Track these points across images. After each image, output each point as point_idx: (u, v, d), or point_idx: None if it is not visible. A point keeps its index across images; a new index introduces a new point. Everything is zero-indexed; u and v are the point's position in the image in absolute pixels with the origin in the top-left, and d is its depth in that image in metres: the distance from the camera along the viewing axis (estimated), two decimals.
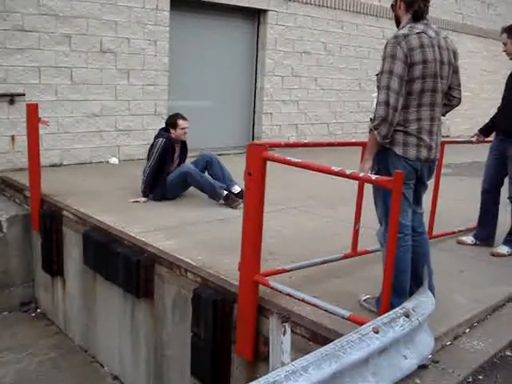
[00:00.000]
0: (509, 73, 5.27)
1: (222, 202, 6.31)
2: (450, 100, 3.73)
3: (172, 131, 6.54)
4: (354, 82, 12.18)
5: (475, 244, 5.36)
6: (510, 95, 5.17)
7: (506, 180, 5.19)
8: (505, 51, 5.16)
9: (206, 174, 6.60)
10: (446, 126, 13.58)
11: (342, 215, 5.96)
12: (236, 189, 6.45)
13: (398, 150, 3.46)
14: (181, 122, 6.53)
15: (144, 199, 6.36)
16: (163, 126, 6.78)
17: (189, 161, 6.80)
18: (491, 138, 5.46)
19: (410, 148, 3.46)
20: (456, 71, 3.69)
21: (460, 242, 5.41)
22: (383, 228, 3.56)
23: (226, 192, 6.33)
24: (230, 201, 6.27)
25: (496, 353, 3.48)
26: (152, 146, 6.45)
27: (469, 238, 5.42)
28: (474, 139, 5.52)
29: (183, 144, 6.77)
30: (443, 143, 4.56)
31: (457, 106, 3.82)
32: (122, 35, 8.46)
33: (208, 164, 6.61)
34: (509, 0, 16.25)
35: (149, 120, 8.90)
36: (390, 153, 3.47)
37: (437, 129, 3.58)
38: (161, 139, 6.41)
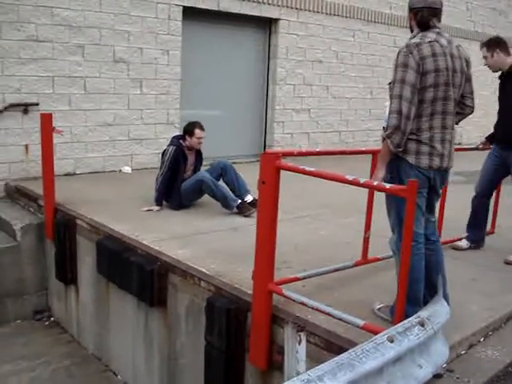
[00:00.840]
0: (498, 86, 5.31)
1: (235, 210, 6.33)
2: (463, 108, 3.73)
3: (187, 138, 6.58)
4: (365, 90, 12.18)
5: (470, 247, 5.44)
6: (504, 106, 5.20)
7: (506, 186, 5.25)
8: (486, 64, 5.20)
9: (221, 181, 6.62)
10: (458, 134, 13.54)
11: (354, 223, 5.95)
12: (249, 198, 6.46)
13: (411, 159, 3.46)
14: (198, 131, 6.56)
15: (157, 208, 6.39)
16: (175, 134, 6.80)
17: (203, 168, 6.83)
18: None
19: (422, 157, 3.46)
20: (469, 79, 3.69)
21: (455, 248, 5.43)
22: (396, 236, 3.56)
23: (239, 201, 6.36)
24: (244, 209, 6.29)
25: (511, 362, 3.46)
26: (163, 153, 6.51)
27: (463, 242, 5.48)
28: (481, 146, 5.56)
29: (198, 152, 6.81)
30: None
31: (470, 114, 3.82)
32: (135, 45, 8.52)
33: (223, 171, 6.63)
34: None
35: (161, 129, 8.94)
36: (403, 161, 3.47)
37: (450, 137, 3.57)
38: (171, 147, 6.47)
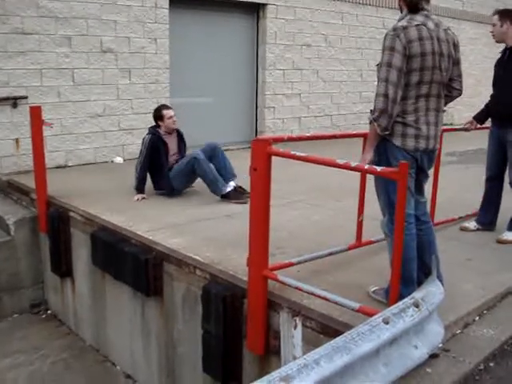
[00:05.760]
0: (495, 61, 5.28)
1: (225, 192, 6.33)
2: (451, 91, 3.73)
3: (161, 124, 6.66)
4: (355, 73, 12.16)
5: (478, 229, 5.41)
6: (500, 82, 5.17)
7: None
8: (492, 32, 5.16)
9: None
10: (449, 115, 13.56)
11: (347, 207, 5.96)
12: (231, 184, 6.44)
13: (397, 142, 3.47)
14: (165, 111, 6.66)
15: (142, 195, 6.44)
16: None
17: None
18: (487, 124, 5.46)
19: (408, 139, 3.47)
20: (457, 63, 3.68)
21: (463, 229, 5.44)
22: (387, 218, 3.58)
23: (228, 188, 6.34)
24: (237, 195, 6.27)
25: (506, 340, 3.48)
26: (142, 143, 6.56)
27: (471, 224, 5.46)
28: (467, 126, 5.51)
29: (179, 136, 6.86)
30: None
31: (457, 97, 3.81)
32: (122, 34, 8.47)
33: (212, 153, 6.62)
34: None
35: (152, 118, 8.87)
36: (390, 144, 3.49)
37: (435, 119, 3.57)
38: (147, 136, 6.56)
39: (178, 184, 6.56)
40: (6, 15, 7.33)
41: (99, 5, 8.15)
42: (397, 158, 3.39)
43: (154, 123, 6.79)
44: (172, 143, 6.73)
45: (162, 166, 6.50)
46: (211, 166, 6.46)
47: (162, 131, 6.64)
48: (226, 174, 6.50)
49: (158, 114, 6.70)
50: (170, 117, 6.63)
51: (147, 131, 6.74)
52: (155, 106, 8.85)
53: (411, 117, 3.46)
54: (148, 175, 6.61)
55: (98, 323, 5.95)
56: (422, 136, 3.50)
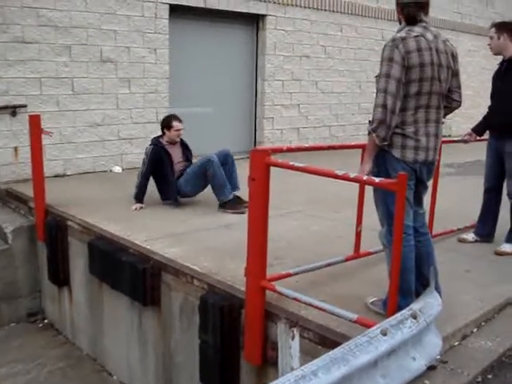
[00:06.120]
0: (493, 72, 5.30)
1: (227, 209, 6.33)
2: (450, 103, 3.73)
3: (166, 132, 6.64)
4: (354, 85, 12.19)
5: (476, 241, 5.41)
6: (499, 93, 5.19)
7: None
8: (489, 45, 5.19)
9: None
10: (447, 126, 13.58)
11: (345, 218, 5.95)
12: (231, 195, 6.46)
13: (396, 153, 3.47)
14: (175, 123, 6.62)
15: (140, 205, 6.43)
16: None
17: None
18: (486, 135, 5.47)
19: (407, 151, 3.47)
20: (456, 74, 3.69)
21: (461, 240, 5.44)
22: (385, 230, 3.57)
23: (231, 196, 6.35)
24: (235, 205, 6.28)
25: (504, 351, 3.47)
26: (145, 153, 6.57)
27: (469, 236, 5.46)
28: (466, 138, 5.52)
29: (183, 145, 6.85)
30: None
31: (457, 108, 3.82)
32: (122, 44, 8.50)
33: (224, 159, 6.58)
34: None
35: (151, 128, 8.91)
36: (389, 155, 3.49)
37: (434, 131, 3.57)
38: (150, 147, 6.56)
39: (190, 189, 6.57)
40: (6, 24, 7.35)
41: (99, 15, 8.18)
42: (396, 169, 3.39)
43: (153, 133, 6.80)
44: (176, 152, 6.71)
45: (167, 176, 6.50)
46: (222, 171, 6.46)
47: (164, 141, 6.63)
48: (232, 183, 6.51)
49: (167, 124, 6.66)
50: (178, 129, 6.62)
51: (150, 142, 6.73)
52: (154, 115, 8.95)
53: (410, 128, 3.46)
54: (155, 185, 6.63)
55: (95, 333, 5.93)
56: (422, 148, 3.50)
